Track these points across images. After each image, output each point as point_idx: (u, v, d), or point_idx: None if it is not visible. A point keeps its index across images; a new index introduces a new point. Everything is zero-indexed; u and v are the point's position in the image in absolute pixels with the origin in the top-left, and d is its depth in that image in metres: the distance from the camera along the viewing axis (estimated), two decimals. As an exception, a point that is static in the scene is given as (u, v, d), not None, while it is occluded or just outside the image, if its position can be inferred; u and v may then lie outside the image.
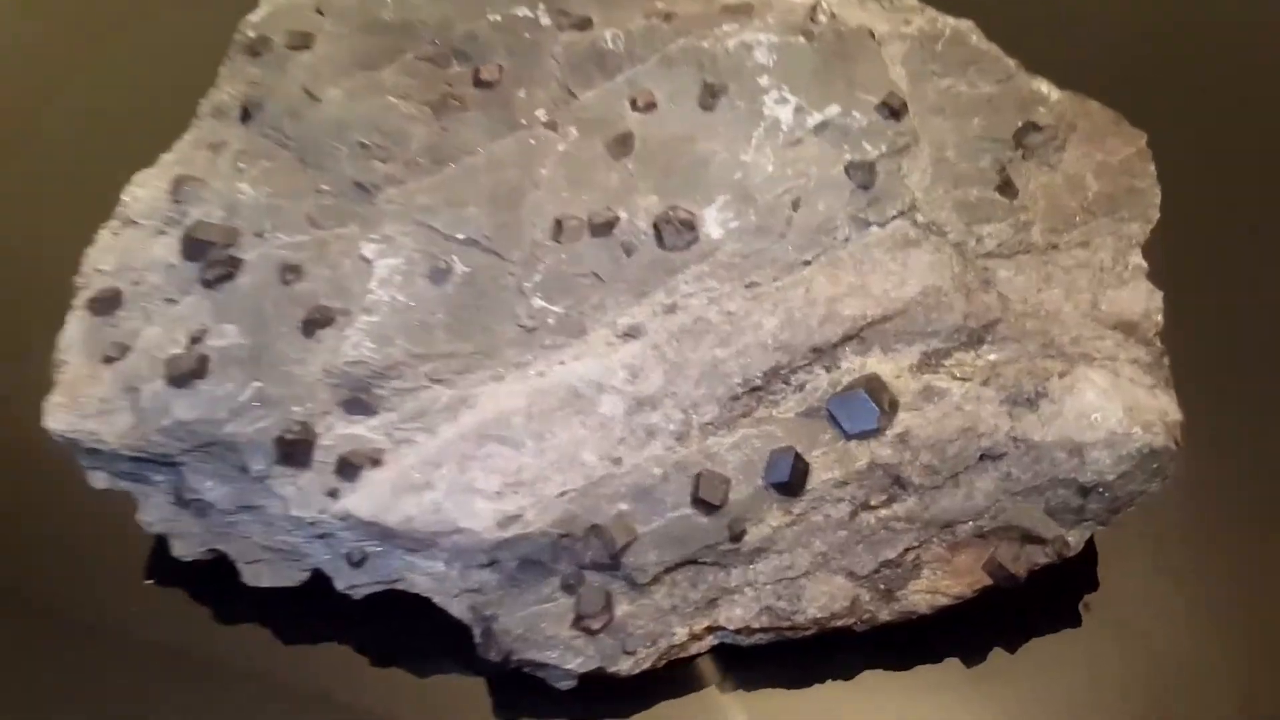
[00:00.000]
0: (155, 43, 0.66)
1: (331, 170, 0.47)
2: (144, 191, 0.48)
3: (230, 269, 0.43)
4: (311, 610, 0.42)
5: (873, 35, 0.52)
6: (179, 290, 0.44)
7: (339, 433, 0.40)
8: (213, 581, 0.43)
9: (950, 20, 0.54)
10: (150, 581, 0.45)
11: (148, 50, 0.66)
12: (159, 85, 0.62)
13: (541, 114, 0.50)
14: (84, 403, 0.42)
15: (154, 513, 0.43)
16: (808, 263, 0.45)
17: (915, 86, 0.51)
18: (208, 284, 0.43)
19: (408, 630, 0.42)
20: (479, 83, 0.51)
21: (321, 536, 0.41)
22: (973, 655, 0.43)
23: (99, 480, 0.43)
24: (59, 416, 0.41)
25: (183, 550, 0.42)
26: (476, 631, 0.39)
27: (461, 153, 0.48)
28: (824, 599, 0.40)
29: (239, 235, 0.44)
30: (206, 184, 0.47)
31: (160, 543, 0.44)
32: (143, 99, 0.63)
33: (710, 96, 0.49)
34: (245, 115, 0.50)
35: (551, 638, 0.38)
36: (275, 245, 0.44)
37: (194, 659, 0.43)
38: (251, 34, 0.54)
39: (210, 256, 0.43)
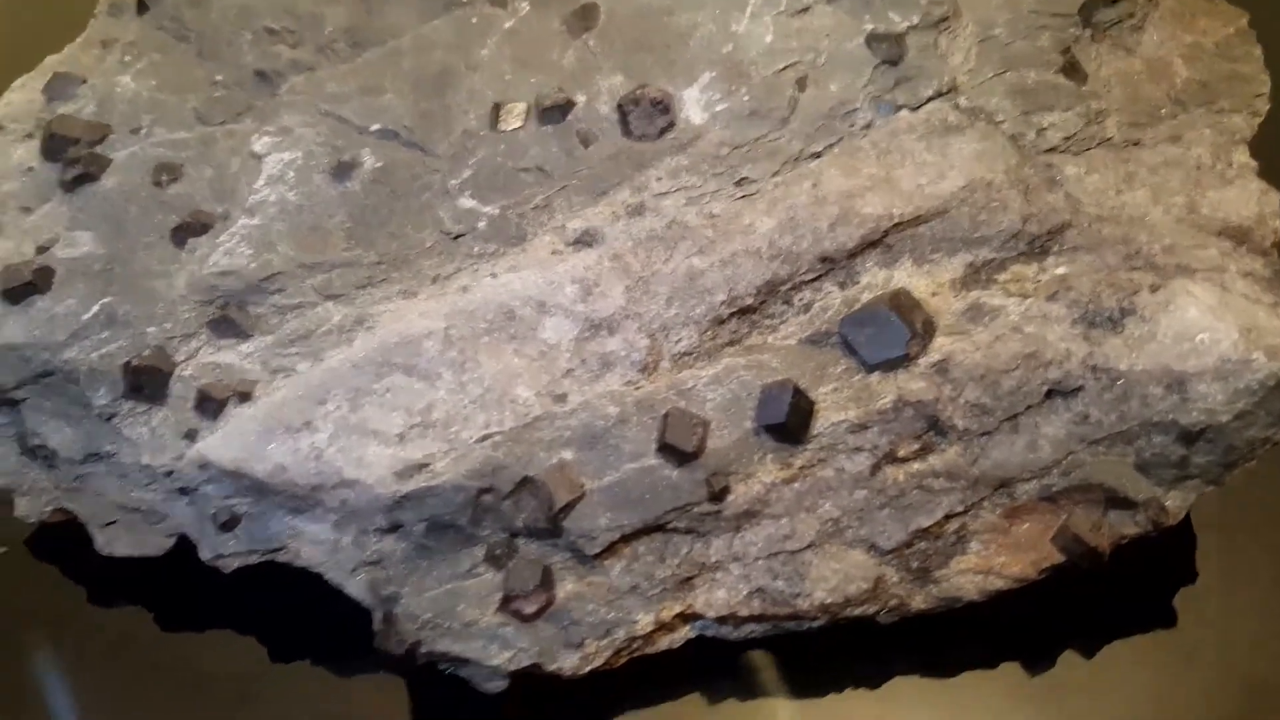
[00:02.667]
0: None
1: (230, 61, 0.40)
2: (19, 95, 0.42)
3: (92, 169, 0.36)
4: (183, 586, 0.36)
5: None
6: (36, 197, 0.37)
7: (203, 360, 0.33)
8: (68, 547, 0.37)
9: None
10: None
11: None
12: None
13: (486, -10, 0.42)
14: None
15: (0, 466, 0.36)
16: (817, 155, 0.36)
17: (952, -53, 0.42)
18: (66, 187, 0.36)
19: (302, 612, 0.35)
20: (415, -46, 0.43)
21: (184, 492, 0.33)
22: (1036, 660, 0.35)
23: None
24: None
25: (27, 509, 0.36)
26: (376, 617, 0.31)
27: (386, 35, 0.40)
28: (836, 579, 0.32)
29: (108, 132, 0.37)
30: (85, 81, 0.40)
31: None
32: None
33: (695, -44, 0.40)
34: (141, 7, 0.43)
35: (471, 624, 0.31)
36: (151, 143, 0.37)
37: (34, 642, 0.36)
38: (147, -91, 0.47)
39: (69, 154, 0.36)
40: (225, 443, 0.31)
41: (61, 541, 0.37)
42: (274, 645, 0.37)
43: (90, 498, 0.35)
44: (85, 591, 0.38)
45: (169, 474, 0.33)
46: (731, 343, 0.33)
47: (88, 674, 0.37)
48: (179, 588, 0.37)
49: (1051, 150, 0.38)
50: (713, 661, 0.35)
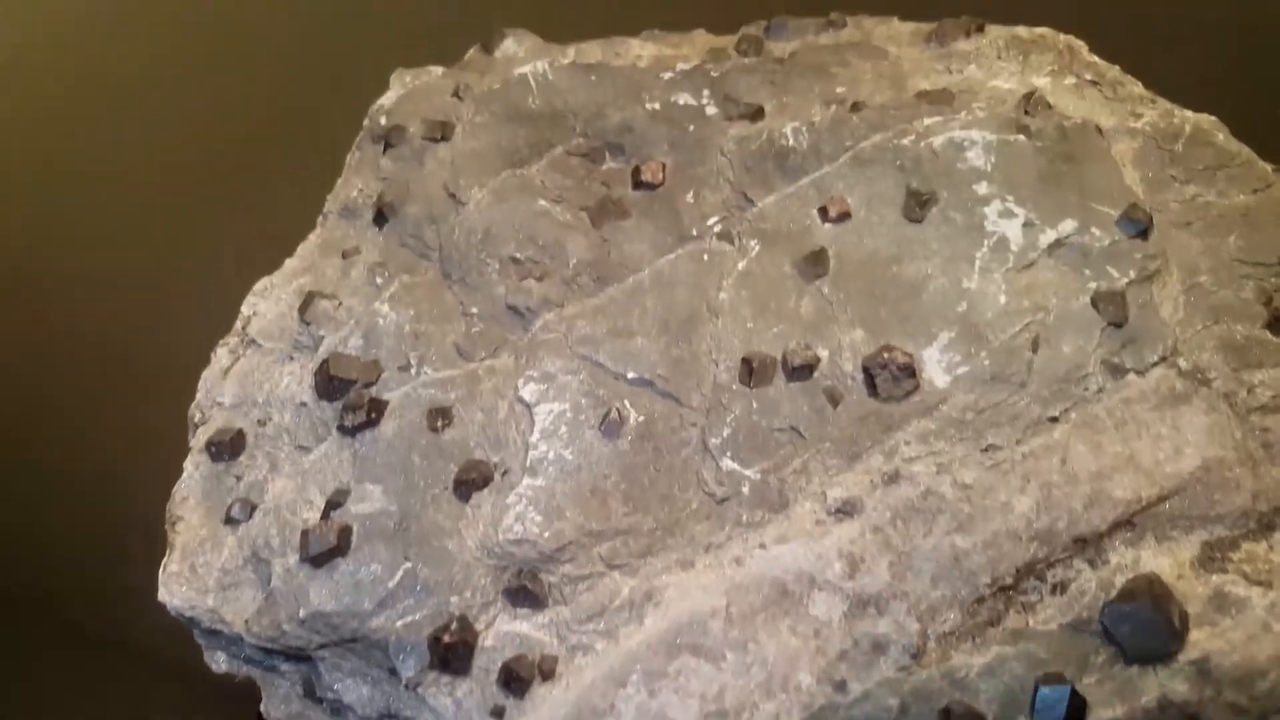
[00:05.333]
0: (276, 123, 0.60)
1: (480, 289, 0.40)
2: (267, 305, 0.42)
3: (373, 413, 0.36)
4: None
5: (1100, 131, 0.45)
6: (312, 435, 0.37)
7: (501, 629, 0.33)
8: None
9: (1189, 115, 0.45)
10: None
11: (269, 131, 0.59)
12: (281, 170, 0.56)
13: (714, 223, 0.43)
14: (203, 574, 0.35)
15: (281, 706, 0.36)
16: (1054, 419, 0.37)
17: (1154, 195, 0.43)
18: (346, 431, 0.36)
19: None
20: (640, 184, 0.44)
21: None
22: None
23: (219, 663, 0.37)
24: (175, 590, 0.35)
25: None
26: None
27: (625, 269, 0.41)
28: None
29: (380, 371, 0.38)
30: (339, 301, 0.41)
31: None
32: (262, 185, 0.56)
33: (918, 206, 0.41)
34: (379, 217, 0.44)
35: None
36: (421, 383, 0.37)
37: None
38: (384, 121, 0.48)
39: (349, 399, 0.36)
40: (534, 725, 0.32)
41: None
42: None
43: (377, 751, 0.35)
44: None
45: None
46: (991, 622, 0.34)
47: None
48: None
49: (1262, 409, 0.39)
50: None
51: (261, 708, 0.36)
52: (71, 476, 0.46)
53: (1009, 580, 0.34)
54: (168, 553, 0.36)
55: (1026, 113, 0.45)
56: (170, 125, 0.59)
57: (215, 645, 0.36)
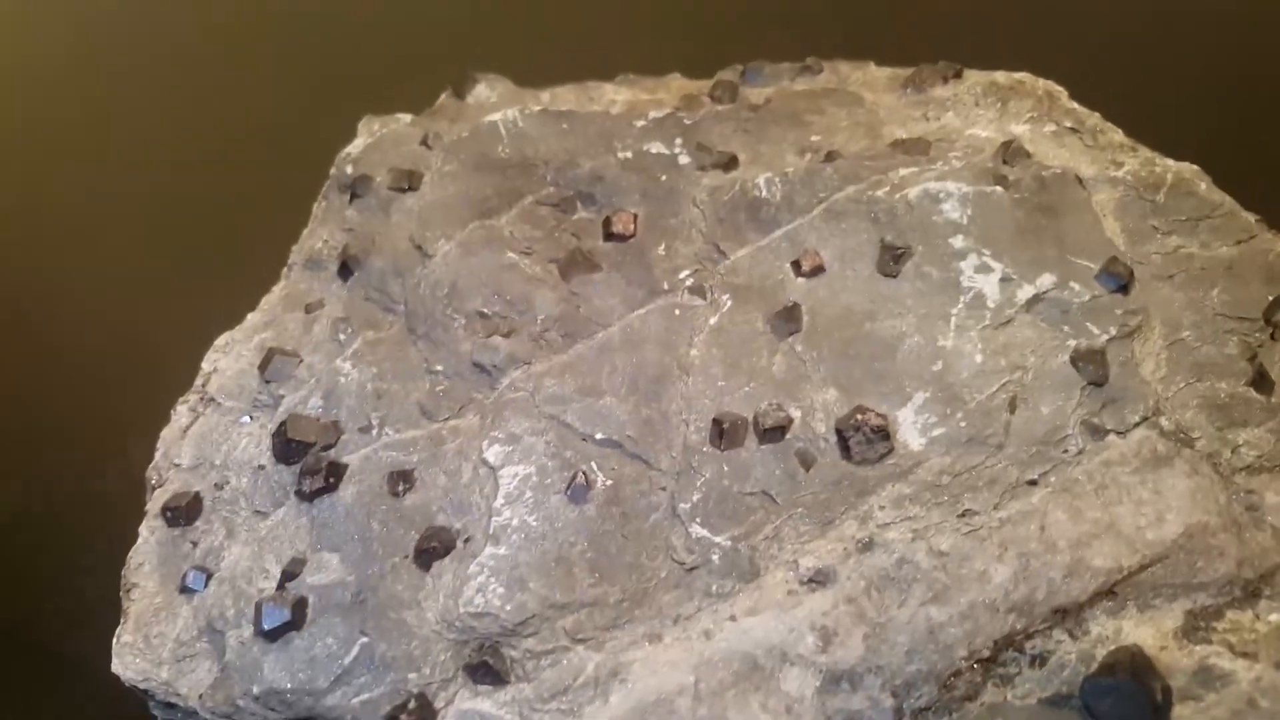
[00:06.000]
0: (243, 169, 0.59)
1: (445, 345, 0.39)
2: (227, 361, 0.41)
3: (331, 478, 0.35)
4: None
5: (1080, 181, 0.44)
6: (269, 500, 0.36)
7: (462, 707, 0.32)
8: None
9: (1171, 164, 0.45)
10: None
11: (235, 178, 0.58)
12: (247, 217, 0.55)
13: (686, 276, 0.42)
14: (157, 645, 0.34)
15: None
16: (1033, 482, 0.36)
17: (1135, 247, 0.42)
18: (304, 496, 0.35)
19: None
20: (611, 235, 0.43)
21: None
22: None
23: None
24: (129, 662, 0.34)
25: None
26: None
27: (594, 324, 0.40)
28: None
29: (340, 433, 0.37)
30: (299, 358, 0.40)
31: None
32: (228, 234, 0.55)
33: (892, 260, 0.40)
34: (344, 270, 0.43)
35: None
36: (383, 445, 0.36)
37: None
38: (350, 170, 0.47)
39: (307, 463, 0.35)
40: (490, 814, 0.30)
41: None
42: None
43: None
44: None
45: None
46: (969, 697, 0.33)
47: None
48: None
49: (1247, 469, 0.38)
50: None
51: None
52: (26, 537, 0.45)
53: (986, 653, 0.32)
54: (122, 621, 0.34)
55: (1005, 161, 0.44)
56: (135, 168, 0.58)
57: (171, 718, 0.35)
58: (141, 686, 0.34)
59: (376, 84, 0.54)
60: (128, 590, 0.35)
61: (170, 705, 0.34)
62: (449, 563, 0.34)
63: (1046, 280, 0.40)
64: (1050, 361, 0.38)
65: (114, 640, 0.34)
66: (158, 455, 0.39)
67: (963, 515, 0.35)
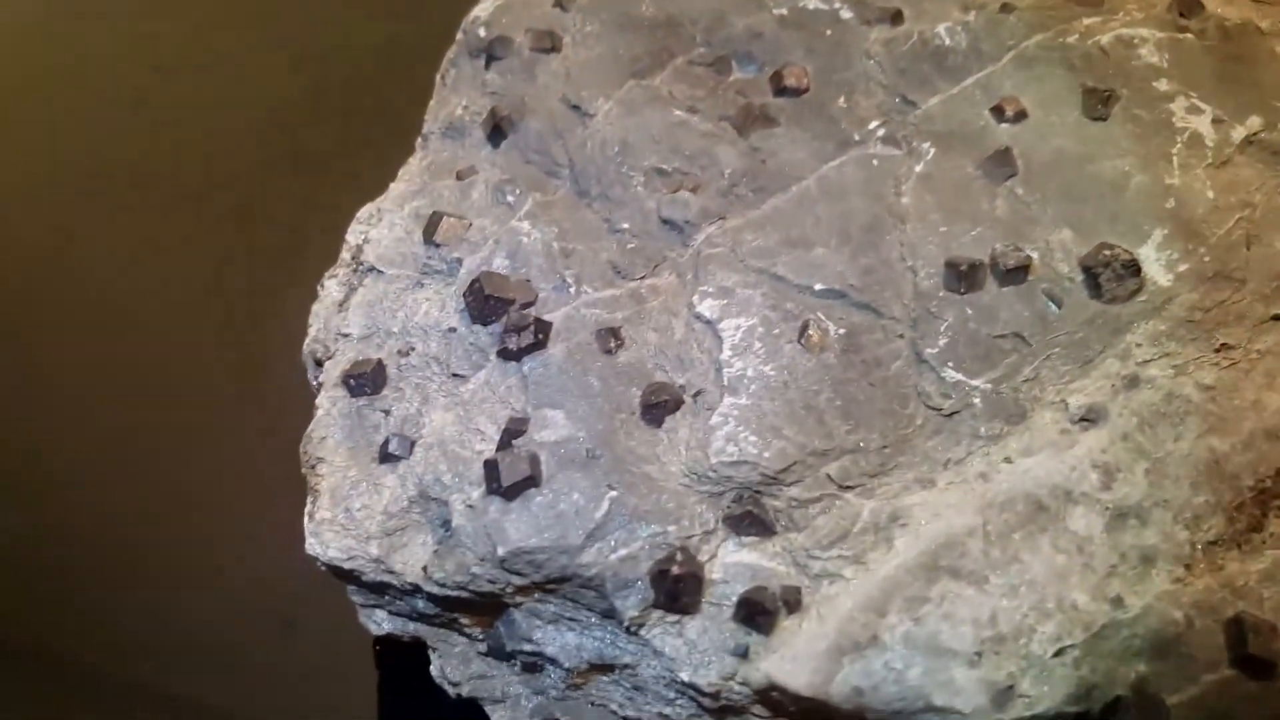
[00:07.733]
0: (329, 47, 0.54)
1: (626, 204, 0.36)
2: (379, 231, 0.37)
3: (540, 334, 0.32)
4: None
5: (1261, 32, 0.43)
6: (466, 363, 0.33)
7: (728, 560, 0.29)
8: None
9: (1345, 15, 0.44)
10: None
11: (322, 55, 0.53)
12: (338, 96, 0.51)
13: (876, 127, 0.40)
14: (362, 519, 0.30)
15: (459, 668, 0.31)
16: (1277, 317, 0.35)
17: (1322, 95, 0.41)
18: (510, 355, 0.32)
19: None
20: (783, 90, 0.41)
21: (713, 711, 0.29)
22: None
23: (379, 624, 0.32)
24: (330, 540, 0.30)
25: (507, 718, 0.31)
26: None
27: (785, 178, 0.37)
28: None
29: (535, 292, 0.34)
30: (468, 221, 0.37)
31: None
32: (327, 112, 0.51)
33: (1099, 104, 0.38)
34: (495, 134, 0.39)
35: None
36: (584, 303, 0.33)
37: None
38: (482, 33, 0.43)
39: (510, 320, 0.32)
40: (793, 664, 0.27)
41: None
42: None
43: (589, 713, 0.30)
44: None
45: (713, 693, 0.28)
46: (1253, 528, 0.31)
47: None
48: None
49: None
50: None
51: (433, 671, 0.31)
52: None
53: (1269, 484, 0.31)
54: (311, 499, 0.31)
55: (1181, 14, 0.43)
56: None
57: (375, 603, 0.32)
58: (346, 566, 0.30)
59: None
60: (313, 465, 0.32)
61: (378, 587, 0.31)
62: (682, 416, 0.31)
63: (1255, 122, 0.38)
64: (1276, 199, 0.36)
65: (306, 520, 0.30)
66: (314, 329, 0.35)
67: (1219, 350, 0.33)
